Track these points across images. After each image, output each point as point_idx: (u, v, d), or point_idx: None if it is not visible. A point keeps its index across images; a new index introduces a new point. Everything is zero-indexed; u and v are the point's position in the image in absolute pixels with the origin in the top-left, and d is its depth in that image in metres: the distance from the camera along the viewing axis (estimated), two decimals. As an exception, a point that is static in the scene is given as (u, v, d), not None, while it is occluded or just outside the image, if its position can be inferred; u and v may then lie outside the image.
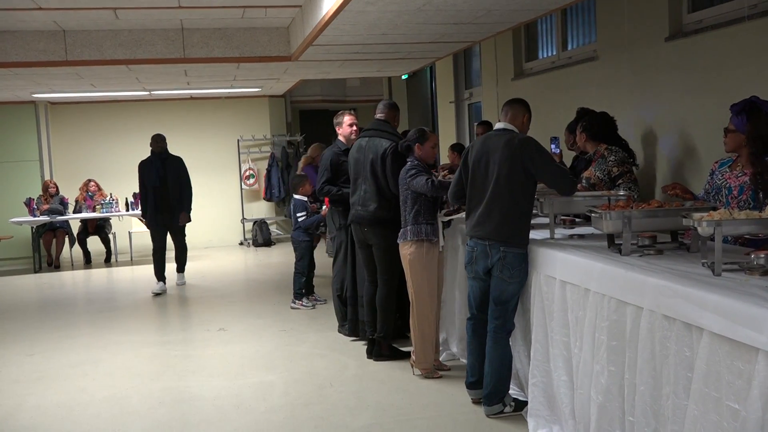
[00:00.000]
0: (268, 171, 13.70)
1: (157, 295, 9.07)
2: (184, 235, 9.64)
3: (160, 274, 9.36)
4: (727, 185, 3.85)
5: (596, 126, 5.19)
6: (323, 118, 15.38)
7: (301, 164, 9.52)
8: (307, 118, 15.45)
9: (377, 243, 5.47)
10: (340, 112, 6.70)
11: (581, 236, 4.35)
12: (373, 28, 6.58)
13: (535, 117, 7.99)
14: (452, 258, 5.42)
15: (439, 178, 5.31)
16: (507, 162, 4.12)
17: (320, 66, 9.37)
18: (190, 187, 9.53)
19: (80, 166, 12.98)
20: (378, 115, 5.77)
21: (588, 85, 6.99)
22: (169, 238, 9.51)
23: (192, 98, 13.43)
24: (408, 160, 5.11)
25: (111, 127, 13.22)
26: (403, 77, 12.49)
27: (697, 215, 3.11)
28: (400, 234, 5.12)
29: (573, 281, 3.65)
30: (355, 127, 6.49)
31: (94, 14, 7.11)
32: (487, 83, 9.41)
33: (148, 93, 12.02)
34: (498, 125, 4.35)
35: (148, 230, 9.54)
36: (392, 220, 5.30)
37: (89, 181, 12.06)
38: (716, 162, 4.09)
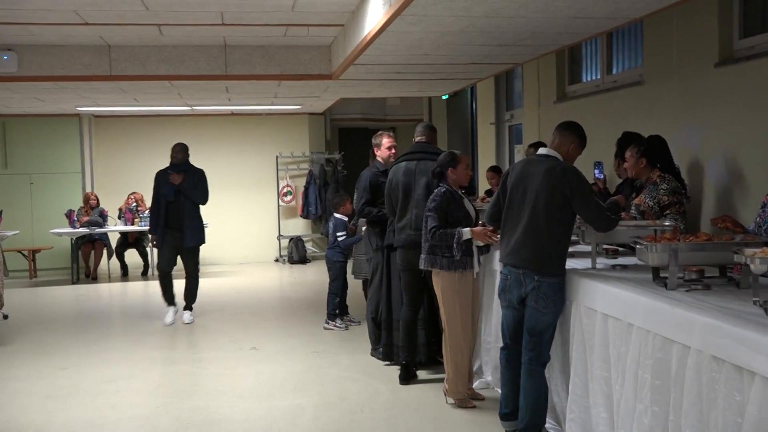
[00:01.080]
0: (306, 188, 13.72)
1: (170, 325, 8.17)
2: (197, 263, 8.50)
3: (170, 297, 8.37)
4: (781, 219, 3.68)
5: (655, 151, 5.03)
6: (363, 136, 15.37)
7: None
8: (346, 136, 15.45)
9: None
10: (379, 133, 6.63)
11: (624, 267, 4.20)
12: (415, 48, 6.52)
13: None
14: (489, 284, 5.30)
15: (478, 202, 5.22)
16: (546, 190, 4.01)
17: (361, 85, 9.35)
18: (206, 197, 8.33)
19: (122, 179, 13.14)
20: (419, 138, 5.72)
21: (633, 109, 6.83)
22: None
23: (233, 114, 13.54)
24: (441, 185, 5.02)
25: (152, 141, 13.36)
26: (444, 97, 12.41)
27: (749, 251, 2.97)
28: (427, 260, 5.01)
29: (615, 315, 3.51)
30: (394, 150, 6.42)
31: (139, 30, 7.19)
32: (529, 105, 9.29)
33: (189, 108, 12.14)
34: (542, 150, 4.24)
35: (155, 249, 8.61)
36: None
37: (133, 193, 12.17)
38: (767, 195, 3.93)
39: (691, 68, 5.87)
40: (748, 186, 5.22)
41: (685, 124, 5.95)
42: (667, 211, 4.62)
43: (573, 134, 4.21)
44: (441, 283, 4.96)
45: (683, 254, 3.39)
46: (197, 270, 8.46)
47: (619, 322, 3.49)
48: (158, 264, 8.39)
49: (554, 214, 3.98)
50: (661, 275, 3.60)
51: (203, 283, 9.44)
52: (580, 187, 3.97)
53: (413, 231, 5.43)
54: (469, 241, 4.87)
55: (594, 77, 7.92)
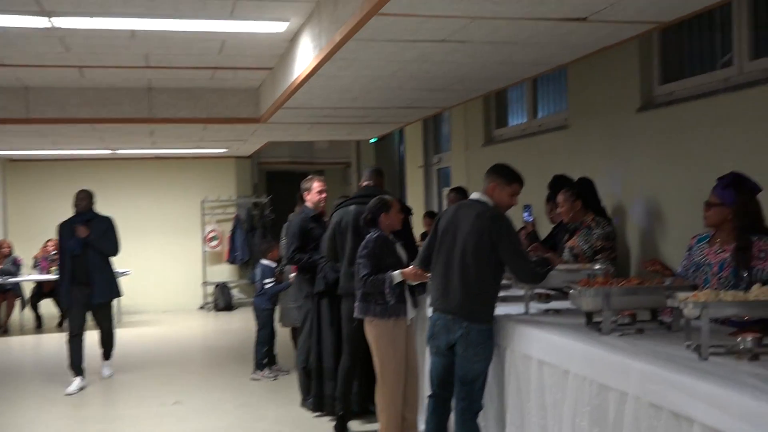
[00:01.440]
0: (232, 233, 13.46)
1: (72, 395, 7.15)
2: (111, 319, 7.84)
3: (77, 366, 7.41)
4: (708, 262, 3.74)
5: (587, 193, 5.09)
6: (290, 179, 15.25)
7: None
8: (273, 180, 15.31)
9: None
10: (309, 177, 6.54)
11: (557, 312, 4.20)
12: (344, 92, 6.49)
13: (505, 184, 8.00)
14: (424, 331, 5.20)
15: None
16: (475, 235, 3.97)
17: (289, 128, 9.27)
18: (116, 248, 7.74)
19: (38, 225, 12.55)
20: (366, 182, 5.68)
21: (558, 153, 6.96)
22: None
23: (156, 157, 13.23)
24: (372, 231, 4.94)
25: (71, 186, 12.57)
26: (372, 141, 12.45)
27: (682, 295, 2.98)
28: (360, 308, 4.90)
29: (551, 361, 3.48)
30: (324, 194, 6.34)
31: (59, 72, 6.95)
32: (457, 149, 9.38)
33: (111, 152, 11.80)
34: (473, 195, 4.22)
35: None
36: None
37: (50, 240, 11.65)
38: (694, 237, 4.00)
39: (614, 113, 6.02)
40: (669, 227, 5.33)
41: (609, 168, 6.07)
42: (599, 256, 4.66)
43: (496, 176, 4.17)
44: (374, 331, 4.85)
45: (616, 298, 3.40)
46: (111, 326, 7.83)
47: (555, 369, 3.45)
48: (69, 326, 7.51)
49: (483, 259, 3.94)
50: (594, 320, 3.60)
51: (124, 334, 9.08)
52: (507, 236, 3.93)
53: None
54: (402, 286, 4.79)
55: (520, 121, 8.06)
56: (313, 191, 6.34)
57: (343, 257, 5.44)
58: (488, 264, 3.95)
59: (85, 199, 7.58)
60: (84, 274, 7.38)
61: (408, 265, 4.94)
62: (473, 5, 3.84)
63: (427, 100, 7.23)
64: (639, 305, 3.49)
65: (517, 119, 8.19)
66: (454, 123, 9.44)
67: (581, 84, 6.54)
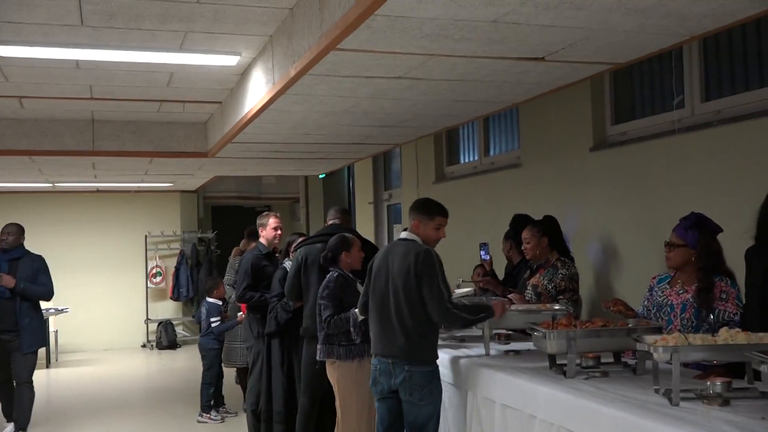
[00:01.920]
0: (177, 269, 13.09)
1: None
2: (33, 369, 6.69)
3: (8, 413, 6.78)
4: (669, 302, 3.71)
5: (555, 232, 5.00)
6: (237, 214, 15.01)
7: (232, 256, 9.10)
8: (219, 215, 15.02)
9: None
10: (264, 213, 6.38)
11: (517, 353, 4.11)
12: (296, 127, 6.38)
13: (458, 221, 7.91)
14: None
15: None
16: (403, 274, 3.86)
17: (237, 163, 9.09)
18: (51, 291, 6.90)
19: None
20: (332, 220, 5.54)
21: (511, 191, 6.96)
22: None
23: (98, 191, 12.84)
24: (332, 270, 4.80)
25: (8, 220, 12.35)
26: (321, 176, 12.34)
27: (650, 338, 2.93)
28: (323, 350, 4.72)
29: (515, 406, 3.38)
30: (279, 231, 6.18)
31: (-4, 102, 6.66)
32: (408, 185, 9.33)
33: (51, 185, 11.40)
34: (402, 234, 4.11)
35: None
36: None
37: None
38: (654, 278, 3.98)
39: (567, 152, 6.05)
40: (628, 268, 5.34)
41: (563, 206, 6.07)
42: (561, 297, 4.57)
43: (417, 212, 4.09)
44: (337, 373, 4.67)
45: (581, 341, 3.33)
46: (31, 382, 6.65)
47: (520, 413, 3.35)
48: None
49: (414, 299, 3.82)
50: (558, 362, 3.52)
51: (61, 374, 8.67)
52: (427, 269, 3.79)
53: None
54: (367, 325, 4.65)
55: (472, 158, 8.06)
56: (269, 227, 6.18)
57: (308, 296, 5.26)
58: (420, 303, 3.83)
59: (13, 234, 6.68)
60: (10, 322, 6.43)
61: None
62: (432, 42, 3.79)
63: (379, 136, 7.17)
64: (604, 348, 3.43)
65: (468, 157, 8.19)
66: (405, 159, 9.40)
67: (533, 123, 6.58)
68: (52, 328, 11.40)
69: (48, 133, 7.56)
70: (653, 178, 5.13)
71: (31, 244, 12.06)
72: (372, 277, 4.11)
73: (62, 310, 11.19)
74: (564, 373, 3.35)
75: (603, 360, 3.51)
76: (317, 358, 4.77)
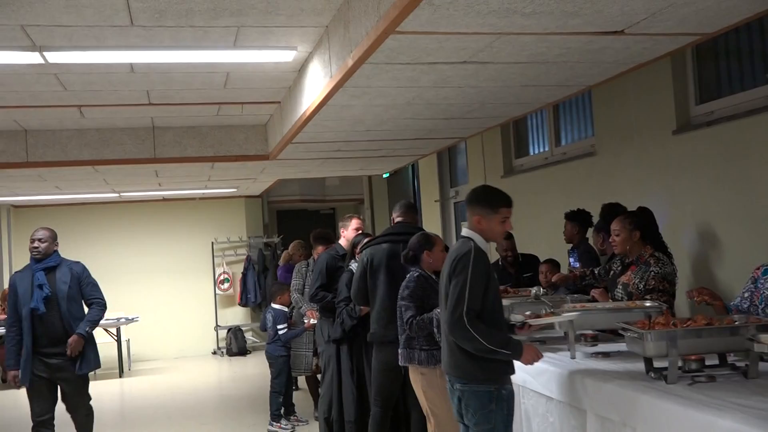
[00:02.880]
0: (244, 275, 13.03)
1: None
2: (86, 393, 5.74)
3: None
4: (781, 296, 3.30)
5: (649, 225, 4.52)
6: (302, 218, 14.92)
7: (282, 261, 9.02)
8: (285, 219, 14.94)
9: None
10: (348, 215, 6.16)
11: (606, 355, 3.74)
12: (357, 123, 6.14)
13: (528, 215, 7.58)
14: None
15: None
16: (445, 279, 3.41)
17: (300, 165, 8.92)
18: (101, 305, 5.82)
19: (44, 272, 12.25)
20: (398, 218, 5.23)
21: (586, 181, 6.56)
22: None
23: (164, 199, 12.90)
24: (413, 270, 4.46)
25: (79, 232, 12.55)
26: (385, 176, 12.09)
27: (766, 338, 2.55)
28: (404, 355, 4.38)
29: (611, 416, 3.03)
30: (360, 232, 5.92)
31: (58, 112, 6.63)
32: (475, 181, 8.97)
33: (117, 195, 11.48)
34: (462, 231, 3.58)
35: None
36: None
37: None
38: (758, 268, 3.57)
39: (648, 137, 5.63)
40: (726, 257, 4.91)
41: (645, 196, 5.65)
42: (649, 296, 4.08)
43: (475, 206, 3.49)
44: (421, 381, 4.31)
45: (683, 342, 2.96)
46: (89, 404, 5.78)
47: (615, 425, 3.00)
48: (32, 412, 5.57)
49: None
50: (656, 366, 3.15)
51: (134, 384, 8.65)
52: (459, 269, 3.28)
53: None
54: None
55: (541, 150, 7.67)
56: (350, 228, 5.94)
57: (375, 300, 4.96)
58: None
59: (45, 240, 5.76)
60: (50, 339, 5.50)
61: None
62: (500, 19, 3.47)
63: (443, 130, 6.87)
64: (710, 349, 3.05)
65: (538, 148, 7.81)
66: (471, 154, 9.07)
67: (609, 108, 6.17)
68: (124, 337, 11.47)
69: (109, 142, 7.53)
70: (749, 160, 4.68)
71: (99, 255, 12.30)
72: (442, 284, 3.65)
73: (133, 319, 11.25)
74: (664, 378, 2.99)
75: (707, 362, 3.13)
76: (399, 363, 4.46)
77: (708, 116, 5.15)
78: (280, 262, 9.31)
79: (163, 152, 7.73)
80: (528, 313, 3.84)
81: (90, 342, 5.72)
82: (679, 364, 3.01)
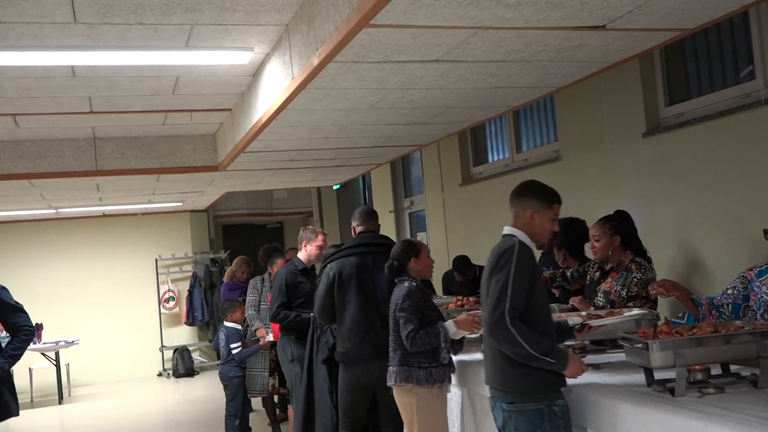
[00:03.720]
0: (190, 292, 12.53)
1: None
2: None
3: None
4: (781, 299, 3.15)
5: (628, 229, 4.32)
6: (249, 232, 14.49)
7: (225, 278, 8.70)
8: (231, 233, 14.50)
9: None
10: (311, 228, 5.82)
11: (596, 367, 3.53)
12: (315, 130, 5.86)
13: (488, 225, 7.39)
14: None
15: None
16: (486, 279, 3.13)
17: (250, 176, 8.57)
18: (29, 334, 4.99)
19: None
20: (360, 227, 4.87)
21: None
22: None
23: (105, 215, 12.32)
24: (402, 279, 4.15)
25: (11, 251, 11.88)
26: (335, 188, 11.81)
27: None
28: (399, 373, 4.02)
29: (613, 433, 2.81)
30: (323, 252, 5.57)
31: (-11, 122, 6.17)
32: (432, 190, 8.78)
33: (54, 211, 10.89)
34: (504, 229, 3.30)
35: None
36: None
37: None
38: (751, 269, 3.43)
39: (615, 140, 5.50)
40: (705, 263, 4.78)
41: (613, 201, 5.49)
42: (632, 303, 3.90)
43: (529, 199, 3.20)
44: (416, 402, 3.96)
45: (692, 352, 2.76)
46: None
47: (620, 443, 2.78)
48: None
49: None
50: (657, 378, 2.95)
51: (73, 410, 8.10)
52: (502, 263, 3.00)
53: (381, 340, 4.33)
54: (458, 344, 4.07)
55: (502, 156, 7.51)
56: (314, 244, 5.61)
57: (344, 316, 4.62)
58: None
59: None
60: None
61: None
62: (481, 11, 3.25)
63: (402, 137, 6.64)
64: (721, 358, 2.86)
65: (497, 155, 7.65)
66: (427, 163, 8.86)
67: (573, 112, 6.04)
68: (63, 362, 10.86)
69: (47, 154, 7.06)
70: (723, 161, 4.57)
71: (36, 275, 11.66)
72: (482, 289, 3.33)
73: (72, 342, 10.67)
74: (670, 392, 2.78)
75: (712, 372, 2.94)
76: (388, 383, 4.10)
77: (678, 117, 5.04)
78: (224, 279, 8.94)
79: (105, 164, 7.30)
80: (584, 314, 3.59)
81: (6, 382, 4.85)
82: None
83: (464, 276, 6.87)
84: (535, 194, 3.22)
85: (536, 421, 2.90)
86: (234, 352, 6.64)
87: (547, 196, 3.23)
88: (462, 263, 6.90)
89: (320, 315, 4.76)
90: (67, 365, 11.11)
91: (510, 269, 2.96)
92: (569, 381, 3.04)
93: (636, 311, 3.57)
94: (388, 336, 4.22)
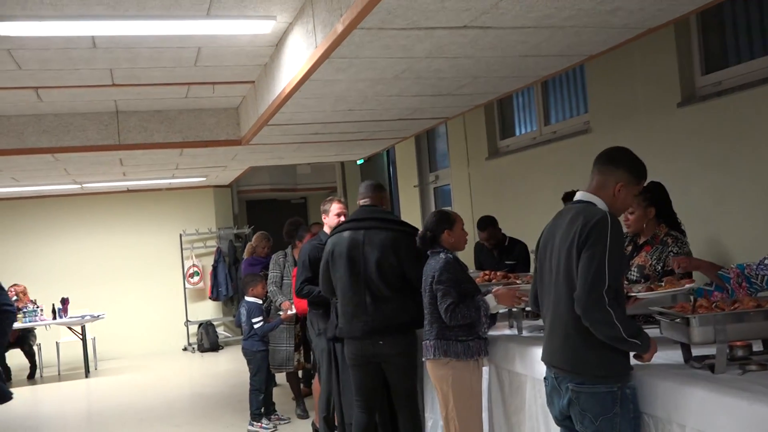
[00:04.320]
0: (214, 267, 12.55)
1: None
2: None
3: None
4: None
5: (663, 201, 4.16)
6: (272, 208, 14.47)
7: (246, 254, 8.64)
8: (254, 209, 14.48)
9: (400, 356, 4.36)
10: (329, 198, 5.70)
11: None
12: (339, 102, 5.75)
13: (516, 199, 7.27)
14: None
15: None
16: (565, 250, 2.83)
17: (273, 150, 8.49)
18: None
19: (2, 269, 11.61)
20: (363, 200, 4.77)
21: (580, 162, 6.21)
22: None
23: (129, 191, 12.34)
24: (437, 251, 4.05)
25: (37, 226, 11.96)
26: (359, 162, 11.71)
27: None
28: (438, 347, 3.94)
29: (655, 413, 2.70)
30: (343, 218, 5.45)
31: (13, 95, 6.12)
32: (457, 164, 8.65)
33: (79, 186, 10.91)
34: (577, 194, 3.01)
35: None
36: (415, 325, 4.30)
37: (14, 285, 10.71)
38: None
39: (649, 111, 5.33)
40: (740, 236, 4.62)
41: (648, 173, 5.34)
42: (664, 279, 3.74)
43: (619, 168, 2.90)
44: (453, 376, 3.89)
45: (734, 327, 2.63)
46: None
47: (659, 422, 2.67)
48: None
49: (575, 280, 2.78)
50: (695, 354, 2.83)
51: (99, 384, 8.16)
52: (594, 237, 2.71)
53: (371, 317, 4.39)
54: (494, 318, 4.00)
55: (529, 129, 7.35)
56: (332, 214, 5.47)
57: (338, 294, 4.58)
58: None
59: None
60: None
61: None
62: (513, -28, 3.11)
63: (428, 109, 6.50)
64: (764, 334, 2.73)
65: (525, 128, 7.49)
66: (453, 136, 8.72)
67: (604, 82, 5.86)
68: (89, 336, 10.95)
69: (70, 128, 7.02)
70: (762, 132, 4.39)
71: (62, 250, 11.74)
72: (538, 260, 3.12)
73: (98, 316, 10.73)
74: (710, 368, 2.67)
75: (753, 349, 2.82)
76: (424, 357, 4.04)
77: (716, 86, 4.86)
78: (244, 255, 8.89)
79: (128, 138, 7.25)
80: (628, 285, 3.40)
81: None
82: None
83: (484, 231, 6.56)
84: (629, 167, 2.93)
85: (608, 405, 2.72)
86: (256, 326, 6.60)
87: (641, 172, 2.96)
88: (483, 220, 6.62)
89: (324, 291, 4.78)
90: (94, 339, 11.21)
91: (606, 245, 2.70)
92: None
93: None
94: (378, 314, 4.27)
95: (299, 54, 4.68)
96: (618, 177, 2.89)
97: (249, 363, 6.71)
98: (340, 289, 4.56)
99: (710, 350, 2.74)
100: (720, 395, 2.42)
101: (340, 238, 4.63)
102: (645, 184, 4.00)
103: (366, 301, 4.40)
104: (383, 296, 4.37)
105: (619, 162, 2.92)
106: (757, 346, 2.85)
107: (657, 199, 4.05)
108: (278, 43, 5.18)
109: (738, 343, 2.75)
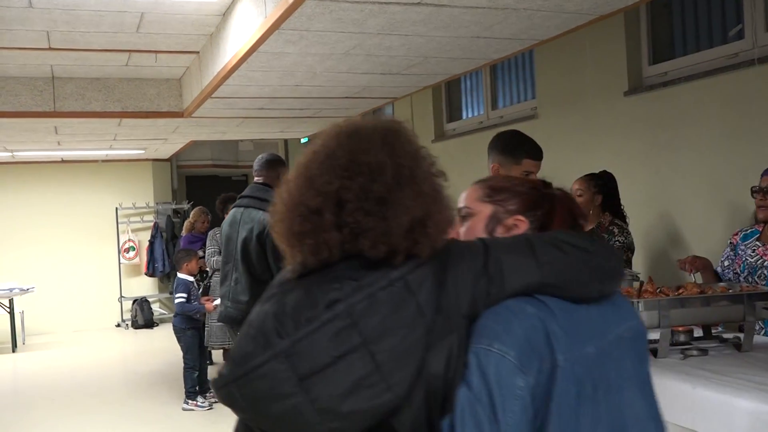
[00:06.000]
0: (151, 243, 12.26)
1: None
2: None
3: None
4: (766, 264, 3.06)
5: (611, 191, 4.17)
6: (212, 184, 14.17)
7: (184, 231, 8.47)
8: (194, 184, 14.17)
9: None
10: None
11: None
12: (286, 76, 5.62)
13: (461, 183, 7.26)
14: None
15: None
16: None
17: (216, 124, 8.30)
18: None
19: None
20: (257, 178, 4.58)
21: (525, 146, 6.27)
22: None
23: (63, 161, 11.92)
24: None
25: (-35, 194, 11.49)
26: (303, 140, 11.56)
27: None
28: None
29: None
30: None
31: (-60, 55, 5.81)
32: (403, 146, 8.60)
33: (10, 154, 10.48)
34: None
35: None
36: None
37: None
38: (736, 234, 3.34)
39: (596, 98, 5.37)
40: (685, 227, 4.70)
41: (591, 161, 5.39)
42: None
43: (492, 150, 2.94)
44: None
45: (676, 312, 2.66)
46: None
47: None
48: None
49: None
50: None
51: (28, 359, 7.90)
52: None
53: (231, 303, 4.19)
54: None
55: (476, 113, 7.36)
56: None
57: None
58: None
59: None
60: None
61: None
62: (471, -51, 3.06)
63: (376, 88, 6.44)
64: (706, 320, 2.78)
65: (472, 111, 7.49)
66: (399, 117, 8.63)
67: (552, 68, 5.89)
68: (17, 309, 10.58)
69: (1, 93, 6.70)
70: (706, 123, 4.47)
71: (-10, 219, 11.26)
72: None
73: (28, 289, 10.38)
74: (652, 353, 2.69)
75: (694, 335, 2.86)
76: None
77: (662, 77, 4.92)
78: (183, 231, 8.72)
79: (64, 105, 6.96)
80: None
81: None
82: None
83: None
84: (499, 146, 2.94)
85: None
86: (176, 302, 6.44)
87: (516, 149, 2.92)
88: None
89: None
90: (22, 313, 10.83)
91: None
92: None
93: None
94: (238, 296, 4.10)
95: (248, 24, 4.54)
96: (492, 159, 2.96)
97: (179, 341, 6.58)
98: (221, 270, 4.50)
99: (653, 335, 2.77)
100: (662, 379, 2.44)
101: (228, 217, 4.54)
102: (597, 173, 4.05)
103: (230, 284, 4.22)
104: (243, 283, 4.14)
105: (491, 144, 3.01)
106: (698, 332, 2.90)
107: (607, 188, 4.07)
108: (226, 12, 5.03)
109: (680, 329, 2.78)
